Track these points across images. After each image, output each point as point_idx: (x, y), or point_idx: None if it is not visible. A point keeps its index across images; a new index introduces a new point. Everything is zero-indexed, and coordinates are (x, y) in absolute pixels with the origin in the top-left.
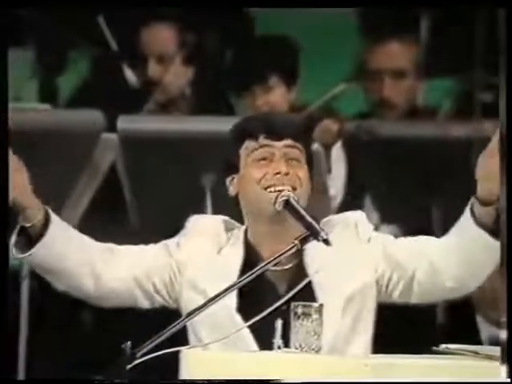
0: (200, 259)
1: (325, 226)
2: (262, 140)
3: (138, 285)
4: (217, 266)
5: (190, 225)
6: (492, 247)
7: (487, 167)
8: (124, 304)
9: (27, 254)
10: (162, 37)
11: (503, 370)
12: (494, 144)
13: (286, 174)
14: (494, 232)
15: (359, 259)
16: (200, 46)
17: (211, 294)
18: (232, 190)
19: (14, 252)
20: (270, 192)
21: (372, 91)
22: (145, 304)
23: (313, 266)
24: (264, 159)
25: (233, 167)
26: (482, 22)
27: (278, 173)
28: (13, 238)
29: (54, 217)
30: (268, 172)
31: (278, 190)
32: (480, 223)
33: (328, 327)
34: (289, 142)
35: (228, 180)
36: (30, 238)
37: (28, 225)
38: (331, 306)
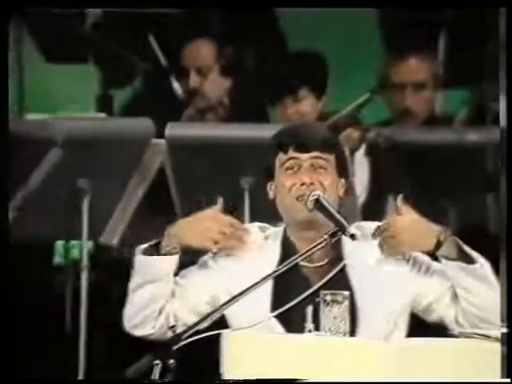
0: (236, 266)
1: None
2: (291, 153)
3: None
4: (253, 268)
5: None
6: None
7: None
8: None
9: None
10: (201, 51)
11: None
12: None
13: (311, 183)
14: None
15: (400, 276)
16: (238, 60)
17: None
18: (271, 194)
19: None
20: (301, 201)
21: (395, 102)
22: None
23: (352, 265)
24: (292, 169)
25: (271, 174)
26: (492, 39)
27: (303, 184)
28: (146, 245)
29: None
30: (296, 182)
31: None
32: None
33: (370, 334)
34: (315, 153)
35: (268, 185)
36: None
37: (167, 248)
38: (375, 321)
